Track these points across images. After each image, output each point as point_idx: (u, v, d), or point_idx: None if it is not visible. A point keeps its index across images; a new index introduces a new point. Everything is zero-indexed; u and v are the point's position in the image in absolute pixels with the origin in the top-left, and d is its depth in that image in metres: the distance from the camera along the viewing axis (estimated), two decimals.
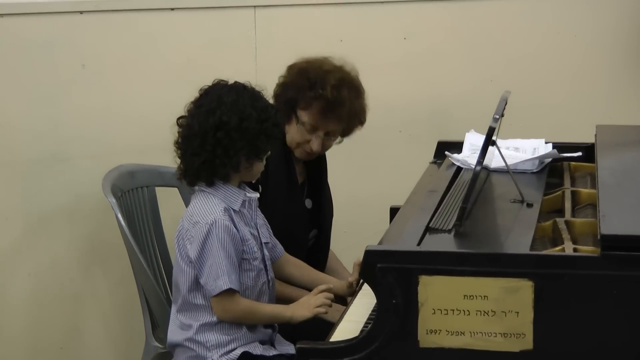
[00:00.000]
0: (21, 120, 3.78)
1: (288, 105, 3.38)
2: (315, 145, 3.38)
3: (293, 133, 3.41)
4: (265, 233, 3.22)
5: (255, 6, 4.08)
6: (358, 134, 4.29)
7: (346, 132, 3.48)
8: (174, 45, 3.97)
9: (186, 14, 3.98)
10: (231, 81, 3.10)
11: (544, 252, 2.65)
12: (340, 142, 3.52)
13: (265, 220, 3.26)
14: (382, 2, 4.31)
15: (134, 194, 3.68)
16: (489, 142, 2.77)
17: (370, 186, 4.33)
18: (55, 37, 3.78)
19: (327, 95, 3.34)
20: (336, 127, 3.40)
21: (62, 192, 3.86)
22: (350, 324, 2.90)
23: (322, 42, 4.20)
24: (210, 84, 3.10)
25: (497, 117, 2.84)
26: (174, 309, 3.14)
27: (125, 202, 3.62)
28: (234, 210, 3.05)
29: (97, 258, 3.96)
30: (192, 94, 3.11)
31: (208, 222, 2.99)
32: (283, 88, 3.41)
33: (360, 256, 2.59)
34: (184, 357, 3.12)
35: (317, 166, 3.57)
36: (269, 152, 3.09)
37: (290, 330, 3.16)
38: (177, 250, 3.08)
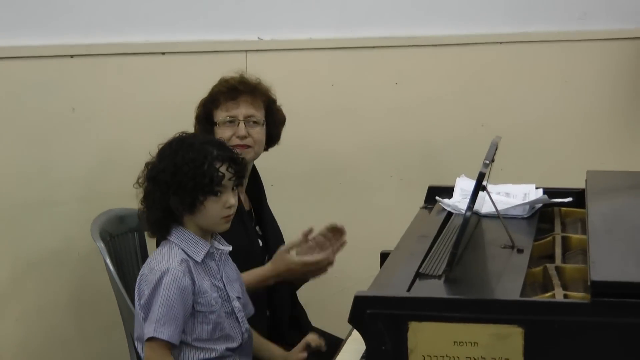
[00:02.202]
0: (10, 164, 3.77)
1: (207, 119, 3.57)
2: (240, 130, 3.50)
3: (220, 136, 3.50)
4: (238, 288, 3.21)
5: (246, 50, 4.10)
6: (351, 178, 4.34)
7: (268, 121, 3.60)
8: (165, 89, 3.99)
9: (177, 58, 4.01)
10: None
11: (534, 298, 2.64)
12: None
13: (241, 276, 3.27)
14: (373, 47, 4.33)
15: (123, 239, 3.68)
16: (479, 187, 2.76)
17: (361, 231, 4.30)
18: (46, 80, 3.79)
19: (229, 83, 3.55)
20: (251, 110, 3.54)
21: (51, 236, 3.85)
22: None
23: (314, 86, 4.25)
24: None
25: (488, 162, 2.84)
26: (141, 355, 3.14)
27: (114, 247, 3.61)
28: (196, 262, 3.06)
29: (86, 303, 3.94)
30: None
31: (162, 269, 3.00)
32: (198, 113, 3.59)
33: (349, 303, 2.58)
34: None
35: (258, 191, 3.65)
36: (216, 206, 3.07)
37: None
38: (137, 294, 3.08)
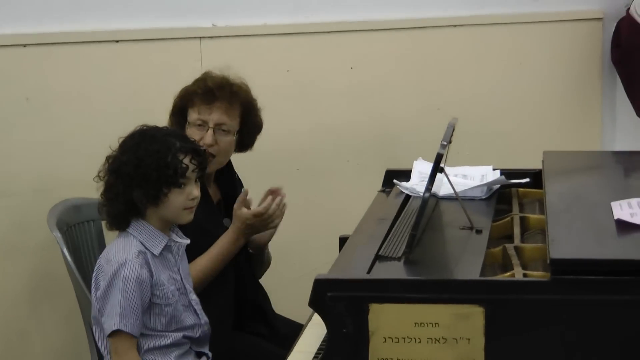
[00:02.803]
0: None
1: (180, 115, 3.49)
2: (207, 138, 3.42)
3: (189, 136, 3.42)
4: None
5: (201, 37, 4.08)
6: (308, 163, 4.33)
7: (243, 129, 3.52)
8: (119, 77, 3.95)
9: (131, 45, 3.97)
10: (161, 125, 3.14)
11: (494, 277, 2.64)
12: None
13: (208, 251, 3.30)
14: (329, 32, 4.32)
15: (80, 228, 3.64)
16: (437, 168, 2.76)
17: (318, 216, 4.32)
18: None
19: (207, 86, 3.45)
20: (223, 118, 3.45)
21: (7, 227, 3.80)
22: (301, 355, 2.88)
23: (269, 71, 4.23)
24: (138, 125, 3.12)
25: (445, 143, 2.83)
26: (97, 340, 3.13)
27: (71, 237, 3.58)
28: (154, 255, 3.04)
29: (44, 293, 3.90)
30: (135, 127, 3.11)
31: (118, 261, 2.98)
32: (175, 103, 3.51)
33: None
34: None
35: (231, 185, 3.59)
36: (180, 198, 3.05)
37: (232, 356, 3.24)
38: (93, 283, 3.06)
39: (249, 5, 4.20)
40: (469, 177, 3.53)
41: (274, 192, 3.48)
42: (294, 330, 3.31)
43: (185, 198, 3.05)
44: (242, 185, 3.61)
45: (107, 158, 3.06)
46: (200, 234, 3.35)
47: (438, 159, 2.76)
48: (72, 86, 3.87)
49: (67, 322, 3.86)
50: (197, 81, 3.51)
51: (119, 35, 3.92)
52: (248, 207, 3.43)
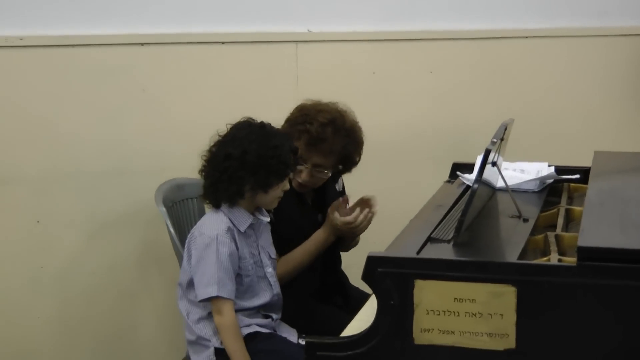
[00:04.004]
0: (90, 138, 3.79)
1: (289, 127, 3.37)
2: (303, 175, 3.35)
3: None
4: (274, 251, 3.22)
5: (297, 41, 4.07)
6: (389, 156, 4.30)
7: (337, 168, 3.44)
8: (223, 74, 3.97)
9: (235, 47, 3.98)
10: (259, 120, 3.12)
11: (527, 261, 2.59)
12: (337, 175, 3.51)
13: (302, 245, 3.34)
14: (411, 40, 4.28)
15: (182, 205, 3.68)
16: (485, 161, 2.71)
17: (397, 203, 4.28)
18: (120, 65, 3.79)
19: (312, 130, 3.30)
20: (322, 161, 3.35)
21: (122, 201, 3.86)
22: (360, 323, 2.84)
23: (357, 74, 4.22)
24: (242, 118, 3.14)
25: (495, 140, 2.79)
26: (178, 301, 3.17)
27: (175, 212, 3.62)
28: (239, 231, 3.05)
29: (151, 260, 3.95)
30: (237, 119, 3.15)
31: (211, 236, 3.01)
32: (285, 123, 3.39)
33: None
34: (191, 345, 3.15)
35: (324, 184, 3.51)
36: (278, 189, 3.08)
37: (309, 323, 3.22)
38: (185, 251, 3.09)
39: (341, 13, 4.17)
40: (526, 171, 3.46)
41: (364, 203, 3.44)
42: (365, 300, 3.30)
43: (280, 190, 3.09)
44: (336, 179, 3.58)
45: (222, 143, 3.08)
46: (295, 230, 3.39)
47: (487, 153, 2.71)
48: (183, 81, 3.91)
49: (170, 285, 3.86)
50: (311, 117, 3.33)
51: (225, 38, 3.94)
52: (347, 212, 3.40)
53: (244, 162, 3.02)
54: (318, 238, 3.41)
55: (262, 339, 3.10)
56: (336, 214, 3.37)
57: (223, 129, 3.15)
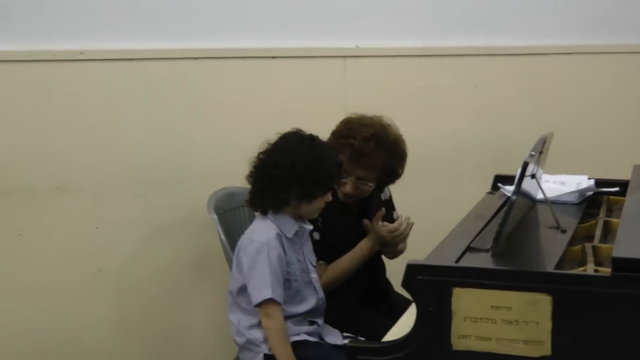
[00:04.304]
0: (145, 148, 3.83)
1: (335, 139, 3.36)
2: (347, 187, 3.34)
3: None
4: (314, 258, 3.23)
5: (345, 56, 4.08)
6: (434, 168, 4.29)
7: (382, 179, 3.43)
8: (274, 87, 3.99)
9: (286, 61, 3.99)
10: (308, 132, 3.13)
11: (562, 271, 2.57)
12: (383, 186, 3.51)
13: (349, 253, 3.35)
14: (456, 55, 4.27)
15: (233, 212, 3.70)
16: (524, 174, 2.71)
17: (441, 214, 4.26)
18: (175, 78, 3.82)
19: (355, 144, 3.30)
20: (365, 174, 3.34)
21: (176, 208, 3.89)
22: (401, 328, 2.84)
23: (403, 87, 4.21)
24: (291, 128, 3.15)
25: (533, 153, 2.78)
26: (228, 309, 3.18)
27: (226, 219, 3.64)
28: (286, 237, 3.06)
29: (203, 264, 3.97)
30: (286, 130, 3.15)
31: (262, 241, 3.02)
32: (331, 136, 3.39)
33: None
34: (242, 350, 3.16)
35: (373, 201, 3.52)
36: (321, 200, 3.08)
37: (353, 328, 3.24)
38: (235, 259, 3.11)
39: (388, 29, 4.16)
40: (566, 184, 3.45)
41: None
42: (408, 307, 3.29)
43: (323, 201, 3.10)
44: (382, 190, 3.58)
45: (272, 152, 3.08)
46: (342, 239, 3.39)
47: (524, 166, 2.71)
48: (235, 94, 3.93)
49: (221, 288, 3.84)
50: (358, 131, 3.33)
51: (276, 52, 3.96)
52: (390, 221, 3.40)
53: (292, 172, 3.03)
54: (363, 247, 3.41)
55: (309, 346, 3.10)
56: (380, 224, 3.37)
57: (273, 137, 3.16)
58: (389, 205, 3.60)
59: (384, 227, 3.37)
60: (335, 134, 3.38)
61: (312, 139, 3.10)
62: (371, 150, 3.31)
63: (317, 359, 3.07)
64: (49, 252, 3.74)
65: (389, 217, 3.52)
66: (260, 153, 3.12)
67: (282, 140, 3.12)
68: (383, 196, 3.61)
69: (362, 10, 4.11)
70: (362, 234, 3.45)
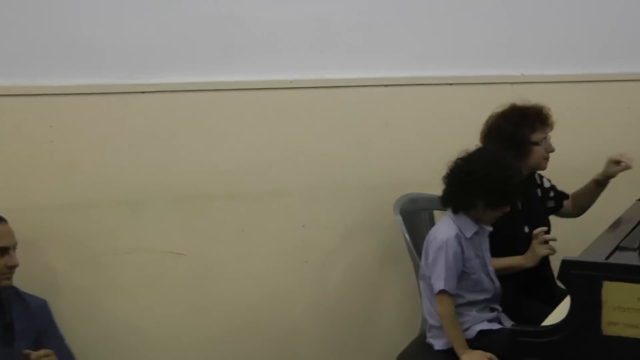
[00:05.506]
0: (341, 159, 3.88)
1: (521, 143, 3.41)
2: (551, 145, 3.43)
3: (537, 154, 3.43)
4: (489, 255, 3.25)
5: (512, 83, 4.04)
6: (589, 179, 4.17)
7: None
8: (454, 111, 4.00)
9: (463, 88, 4.01)
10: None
11: None
12: None
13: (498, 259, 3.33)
14: (611, 81, 4.19)
15: (415, 215, 3.76)
16: None
17: (596, 218, 4.16)
18: (363, 103, 3.87)
19: (537, 112, 3.41)
20: (549, 130, 3.45)
21: (368, 210, 3.93)
22: (558, 315, 2.86)
23: (565, 110, 3.99)
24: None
25: None
26: (422, 293, 3.24)
27: (410, 220, 3.70)
28: (466, 237, 3.11)
29: (390, 258, 4.00)
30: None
31: (443, 239, 3.09)
32: (509, 136, 3.41)
33: None
34: (432, 333, 3.23)
35: (534, 194, 3.54)
36: (502, 211, 3.10)
37: (517, 314, 3.26)
38: (424, 251, 3.19)
39: (550, 58, 4.14)
40: None
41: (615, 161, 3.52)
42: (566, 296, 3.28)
43: (501, 212, 3.13)
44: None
45: (467, 159, 3.12)
46: (500, 238, 3.34)
47: None
48: (419, 117, 3.96)
49: (405, 278, 3.90)
50: (525, 109, 3.44)
51: (453, 80, 3.98)
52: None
53: (483, 183, 3.06)
54: (514, 262, 3.39)
55: (491, 334, 3.14)
56: (540, 247, 3.34)
57: (472, 146, 3.21)
58: (550, 192, 3.57)
59: (543, 251, 3.34)
60: (521, 127, 3.43)
61: (505, 157, 3.13)
62: (544, 109, 3.44)
63: (499, 342, 3.09)
64: (265, 245, 3.86)
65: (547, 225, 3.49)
66: (458, 159, 3.15)
67: (479, 151, 3.16)
68: (546, 184, 3.60)
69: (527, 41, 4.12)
70: (522, 236, 3.44)
